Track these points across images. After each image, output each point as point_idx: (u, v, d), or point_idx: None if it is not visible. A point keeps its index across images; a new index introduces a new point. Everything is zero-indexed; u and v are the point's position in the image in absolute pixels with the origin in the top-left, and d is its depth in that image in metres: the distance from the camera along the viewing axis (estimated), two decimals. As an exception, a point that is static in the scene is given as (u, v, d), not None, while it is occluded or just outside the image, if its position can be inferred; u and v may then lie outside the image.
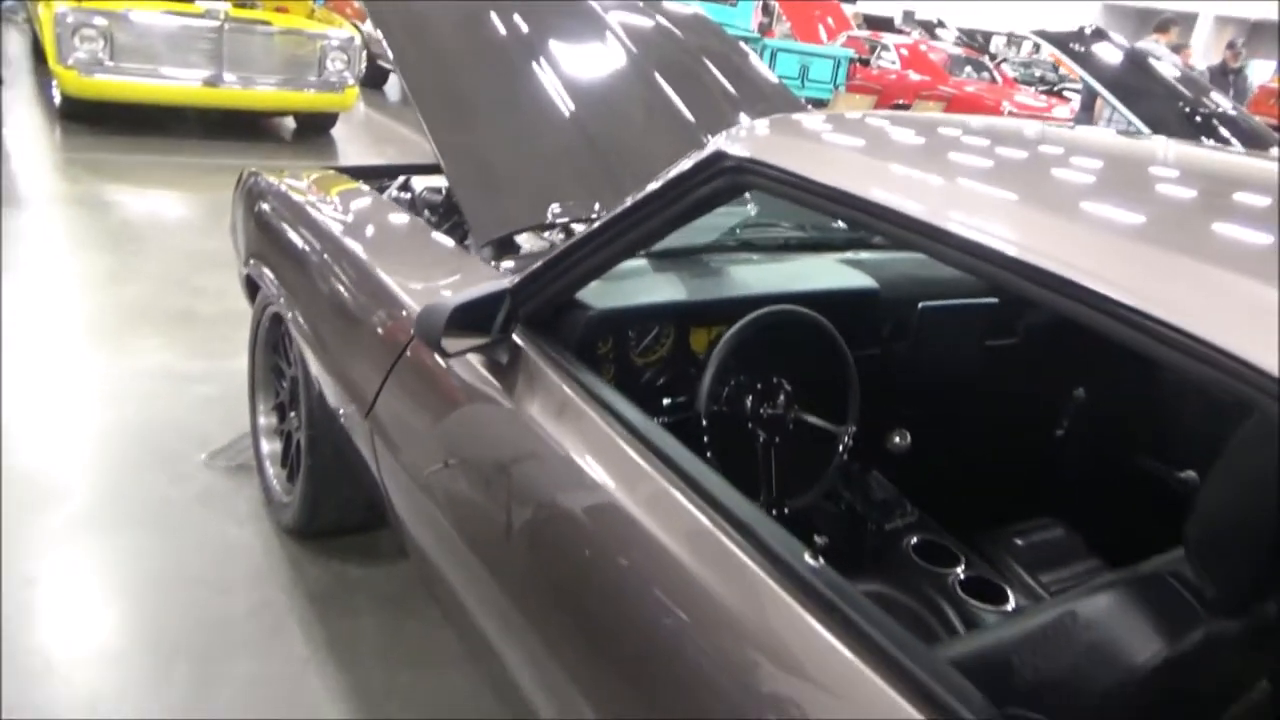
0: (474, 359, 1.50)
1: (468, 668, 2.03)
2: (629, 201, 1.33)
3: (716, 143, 1.25)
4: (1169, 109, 3.89)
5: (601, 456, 1.26)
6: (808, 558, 1.00)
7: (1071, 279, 0.81)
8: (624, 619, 1.17)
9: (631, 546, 1.17)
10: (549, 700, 1.33)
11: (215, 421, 2.88)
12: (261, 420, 2.53)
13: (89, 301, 3.76)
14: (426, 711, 1.94)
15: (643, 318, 1.68)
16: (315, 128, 7.28)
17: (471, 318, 1.39)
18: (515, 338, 1.46)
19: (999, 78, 13.15)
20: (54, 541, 2.30)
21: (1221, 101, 4.17)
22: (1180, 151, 1.24)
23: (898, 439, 1.76)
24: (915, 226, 0.97)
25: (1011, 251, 0.88)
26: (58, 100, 6.41)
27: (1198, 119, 4.00)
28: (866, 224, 1.07)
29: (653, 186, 1.30)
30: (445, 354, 1.40)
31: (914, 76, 12.36)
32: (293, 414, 2.36)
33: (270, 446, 2.50)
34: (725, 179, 1.22)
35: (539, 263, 1.45)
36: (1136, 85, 4.05)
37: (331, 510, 2.26)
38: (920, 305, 1.84)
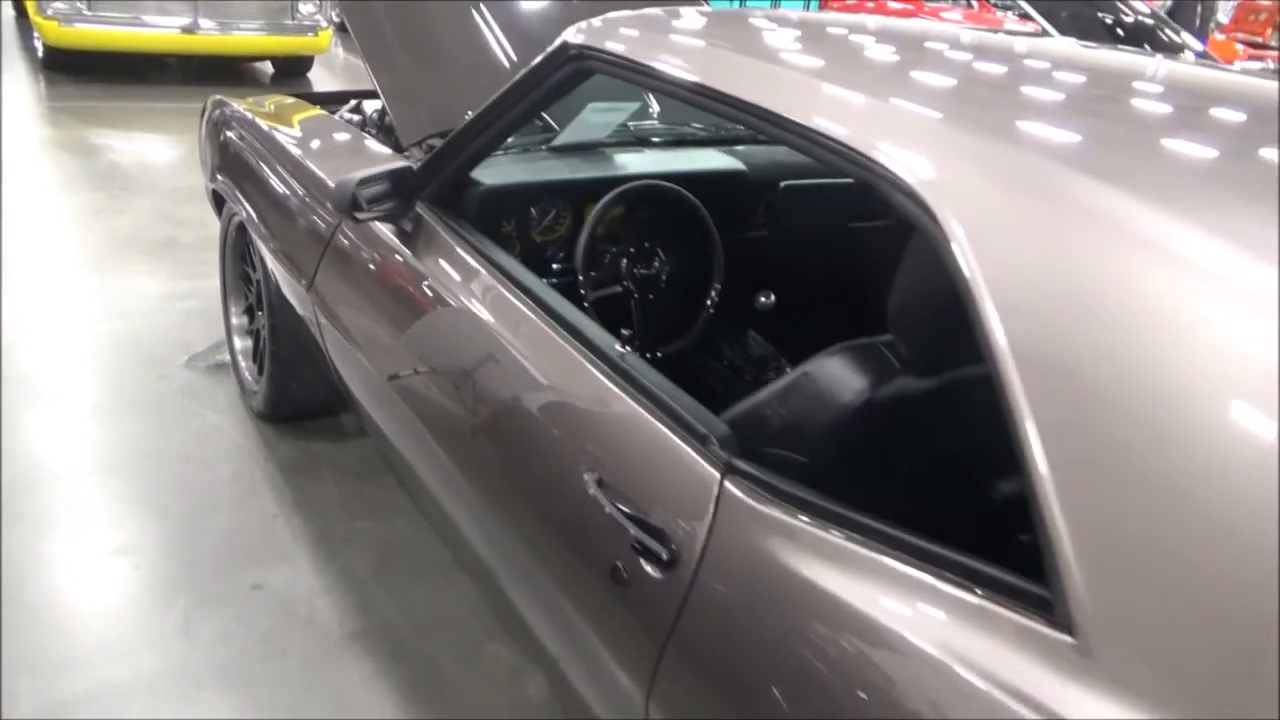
0: (388, 231, 1.80)
1: (418, 518, 2.35)
2: (502, 90, 1.61)
3: (565, 34, 1.52)
4: (1085, 13, 4.14)
5: (488, 305, 1.55)
6: (624, 349, 1.30)
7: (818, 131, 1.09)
8: (503, 431, 1.47)
9: (516, 378, 1.45)
10: (479, 532, 1.60)
11: (196, 331, 3.19)
12: (234, 321, 2.84)
13: (81, 233, 4.06)
14: (380, 553, 2.27)
15: (531, 193, 1.97)
16: (292, 71, 7.48)
17: (380, 190, 1.68)
18: (420, 211, 1.76)
19: (976, 4, 13.17)
20: (55, 428, 2.63)
21: (1141, 10, 4.40)
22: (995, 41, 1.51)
23: (763, 299, 2.06)
24: (722, 98, 1.24)
25: (786, 115, 1.14)
26: (40, 51, 6.64)
27: (1116, 26, 4.23)
28: (688, 100, 1.34)
29: (518, 76, 1.58)
30: (355, 219, 1.69)
31: (892, 4, 12.40)
32: (260, 313, 2.66)
33: (242, 344, 2.82)
34: (570, 66, 1.50)
35: (437, 147, 1.74)
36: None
37: (295, 392, 2.58)
38: (782, 184, 2.13)
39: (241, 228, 2.65)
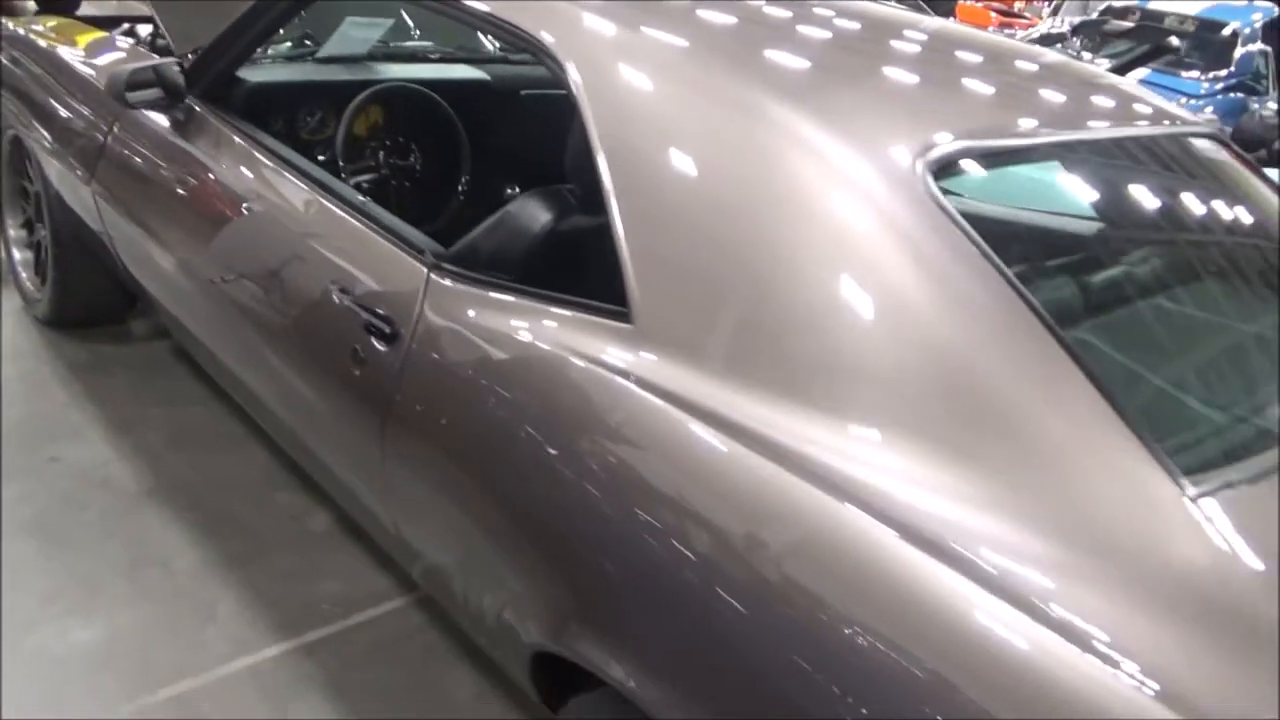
0: (162, 121, 2.04)
1: (213, 404, 2.59)
2: (260, -6, 1.89)
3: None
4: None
5: (256, 179, 1.84)
6: (365, 199, 1.64)
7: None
8: (274, 277, 1.77)
9: (280, 233, 1.75)
10: (259, 374, 1.88)
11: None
12: (12, 233, 2.93)
13: None
14: (173, 431, 2.49)
15: (295, 93, 2.25)
16: (57, 10, 7.14)
17: (152, 78, 1.92)
18: (191, 103, 2.01)
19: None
20: None
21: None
22: None
23: (509, 190, 2.43)
24: None
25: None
26: None
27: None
28: None
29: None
30: (128, 105, 1.93)
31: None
32: (39, 225, 2.78)
33: (22, 255, 2.92)
34: None
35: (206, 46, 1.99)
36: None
37: (80, 295, 2.74)
38: (522, 93, 2.50)
39: (17, 141, 2.76)
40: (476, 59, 2.74)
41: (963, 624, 0.87)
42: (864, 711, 0.89)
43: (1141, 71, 7.21)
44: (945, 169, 1.15)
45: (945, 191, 1.13)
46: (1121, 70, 4.18)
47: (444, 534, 1.40)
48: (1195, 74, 7.35)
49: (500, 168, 2.46)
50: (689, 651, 1.05)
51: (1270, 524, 0.96)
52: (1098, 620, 0.84)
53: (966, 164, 1.22)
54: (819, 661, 0.92)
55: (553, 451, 1.19)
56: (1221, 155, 1.69)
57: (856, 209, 1.11)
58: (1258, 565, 0.90)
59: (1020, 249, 1.27)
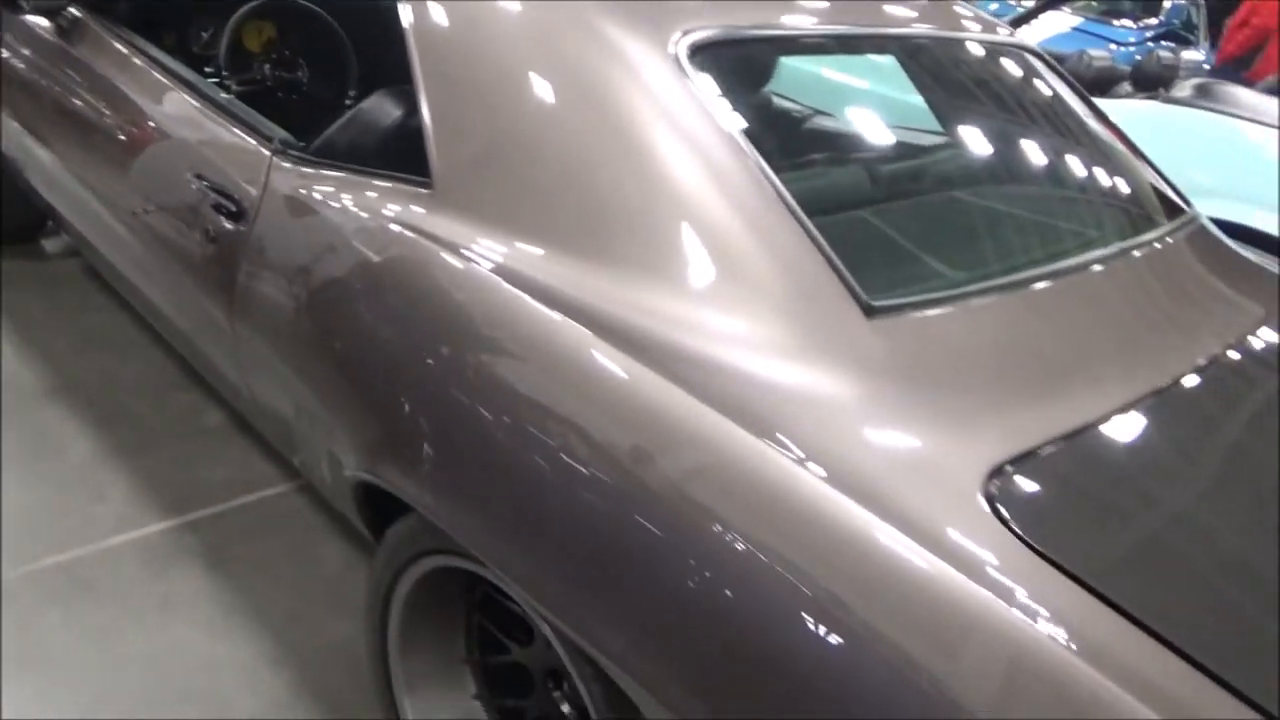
0: (49, 29, 2.13)
1: (117, 313, 2.69)
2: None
3: None
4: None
5: (138, 82, 1.93)
6: (230, 97, 1.75)
7: None
8: (148, 174, 1.88)
9: (155, 133, 1.85)
10: (154, 292, 1.99)
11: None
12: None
13: None
14: (76, 338, 2.60)
15: (178, 8, 2.34)
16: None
17: None
18: (77, 12, 2.10)
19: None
20: None
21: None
22: None
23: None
24: None
25: None
26: None
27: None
28: None
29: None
30: (14, 11, 2.03)
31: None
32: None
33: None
34: None
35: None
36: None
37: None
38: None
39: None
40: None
41: (692, 425, 1.01)
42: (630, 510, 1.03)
43: (1074, 20, 7.38)
44: (704, 51, 1.28)
45: (708, 71, 1.27)
46: (1026, 18, 4.33)
47: (283, 388, 1.54)
48: (1127, 22, 7.52)
49: (390, 82, 2.56)
50: (482, 477, 1.18)
51: (938, 347, 1.12)
52: (769, 402, 1.00)
53: (734, 50, 1.36)
54: (589, 480, 1.05)
55: (365, 304, 1.33)
56: (1025, 67, 1.83)
57: (622, 82, 1.24)
58: (919, 376, 1.07)
59: (768, 126, 1.41)
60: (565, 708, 1.35)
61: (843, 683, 0.86)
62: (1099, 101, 3.64)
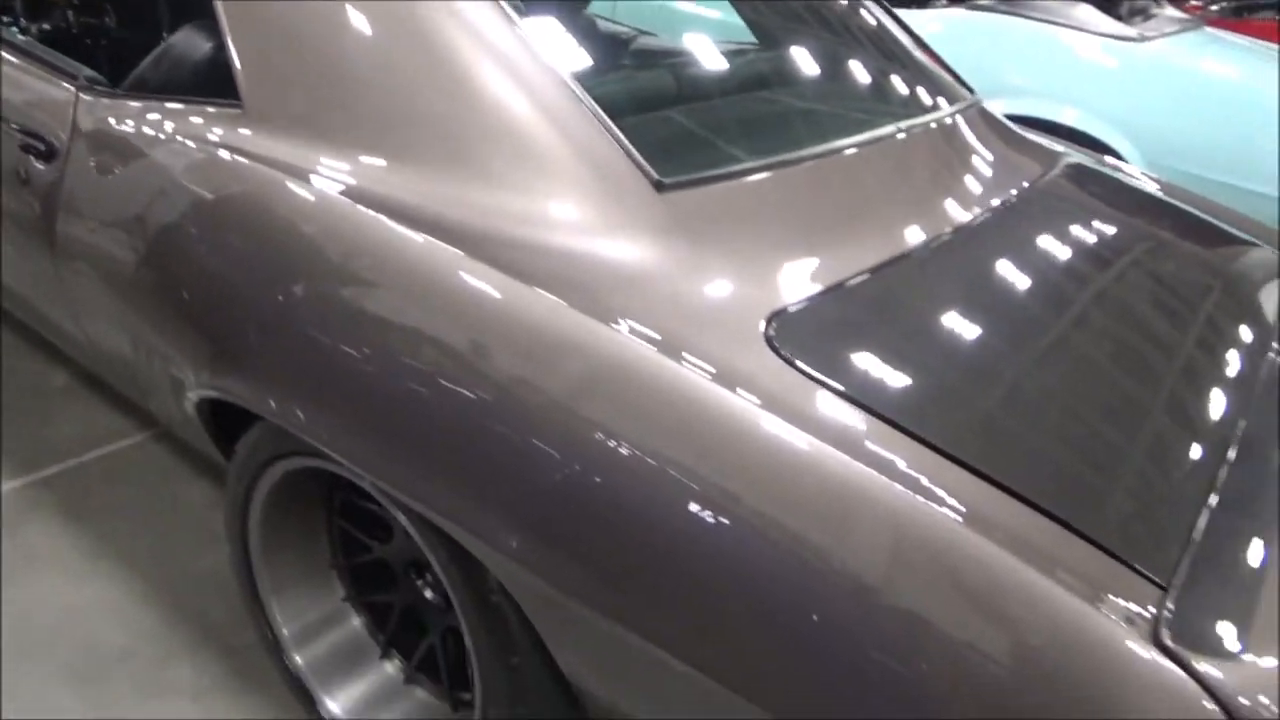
0: None
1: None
2: None
3: None
4: None
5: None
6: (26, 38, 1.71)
7: None
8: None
9: None
10: None
11: None
12: None
13: None
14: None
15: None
16: None
17: None
18: None
19: None
20: None
21: None
22: None
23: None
24: None
25: None
26: None
27: None
28: None
29: None
30: None
31: None
32: None
33: None
34: None
35: None
36: None
37: None
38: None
39: None
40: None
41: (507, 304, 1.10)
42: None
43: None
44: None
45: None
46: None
47: (117, 325, 1.55)
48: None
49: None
50: (322, 373, 1.22)
51: (723, 214, 1.24)
52: (571, 273, 1.09)
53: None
54: (411, 369, 1.12)
55: (187, 224, 1.36)
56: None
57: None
58: (705, 241, 1.18)
59: (576, 38, 1.48)
60: (429, 594, 1.44)
61: (677, 526, 0.95)
62: (914, 12, 3.85)
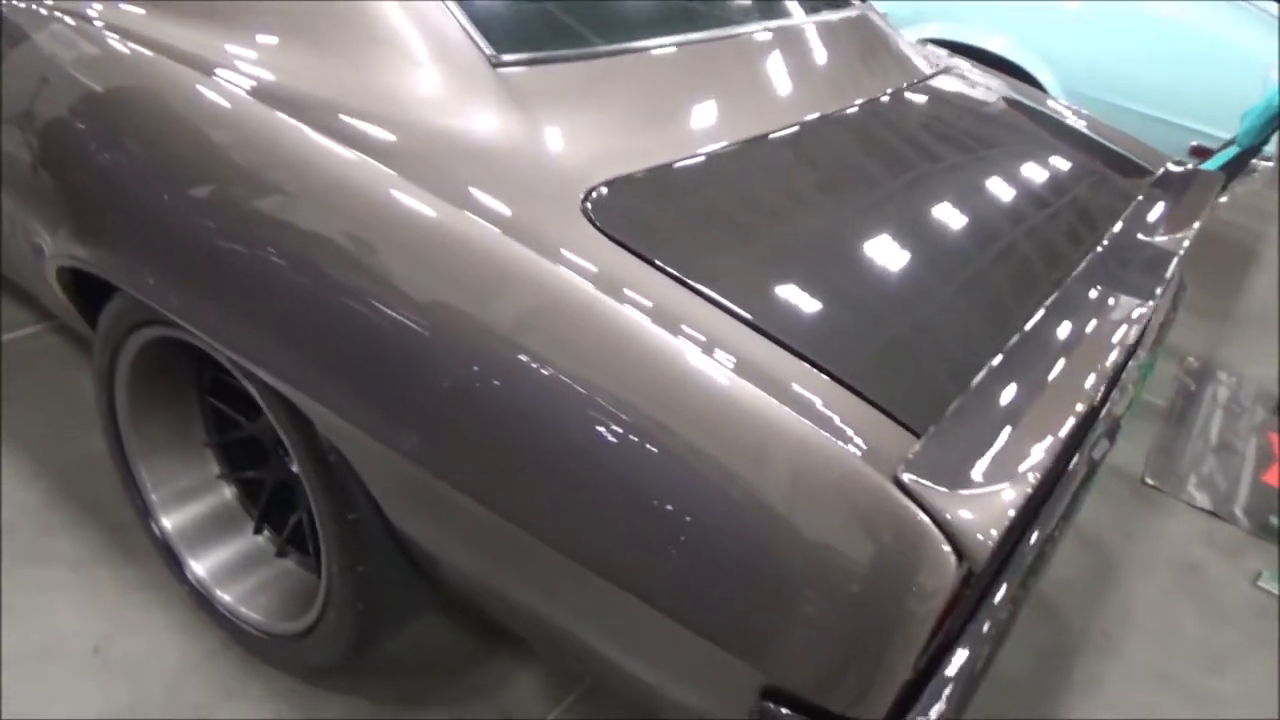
0: None
1: None
2: None
3: None
4: None
5: None
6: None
7: None
8: None
9: None
10: None
11: None
12: None
13: None
14: None
15: None
16: None
17: None
18: None
19: None
20: None
21: None
22: None
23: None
24: None
25: None
26: None
27: None
28: None
29: None
30: None
31: None
32: None
33: None
34: None
35: None
36: None
37: None
38: None
39: None
40: None
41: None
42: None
43: None
44: None
45: None
46: None
47: None
48: None
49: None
50: (167, 242, 1.24)
51: (565, 98, 1.27)
52: (413, 145, 1.13)
53: None
54: (247, 235, 1.15)
55: (49, 93, 1.36)
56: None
57: None
58: (534, 116, 1.22)
59: None
60: (294, 468, 1.49)
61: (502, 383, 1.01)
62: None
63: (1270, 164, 3.31)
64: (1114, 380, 1.54)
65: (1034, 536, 1.20)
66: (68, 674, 1.48)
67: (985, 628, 1.06)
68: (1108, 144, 1.95)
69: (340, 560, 1.29)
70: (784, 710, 0.93)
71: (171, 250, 1.24)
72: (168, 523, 1.56)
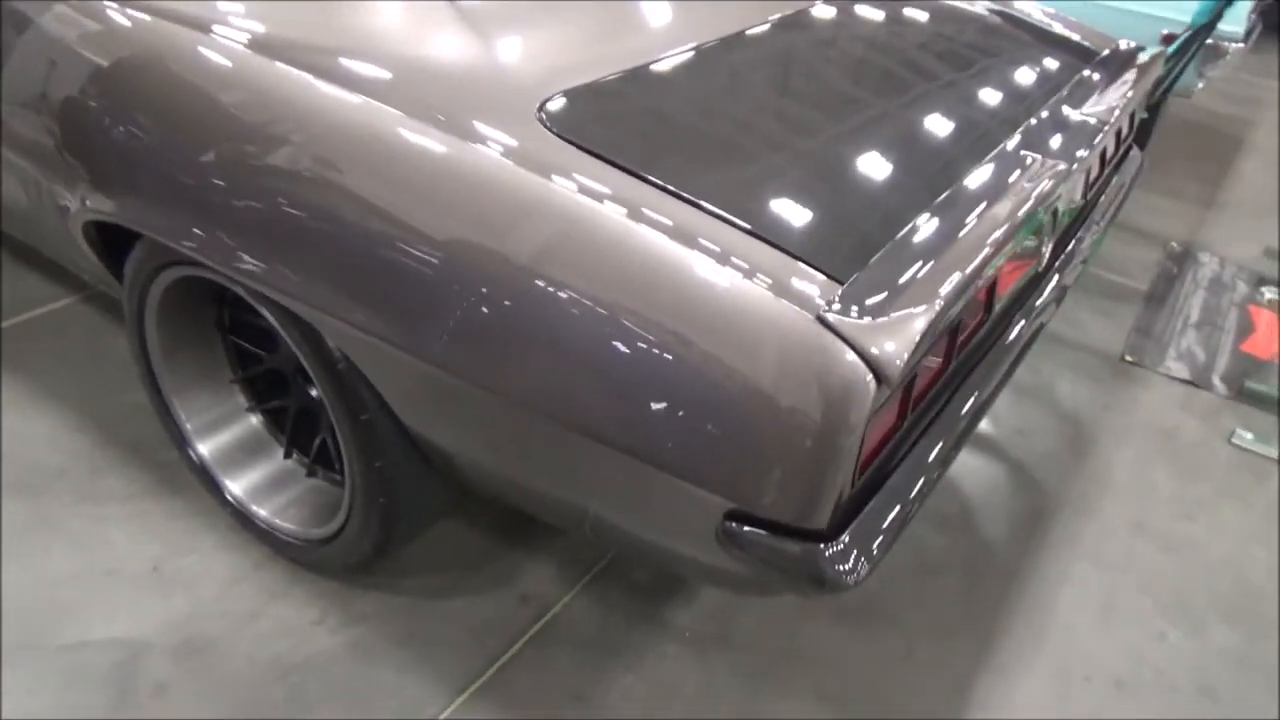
0: None
1: None
2: None
3: None
4: None
5: None
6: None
7: None
8: None
9: None
10: None
11: None
12: None
13: None
14: None
15: None
16: None
17: None
18: None
19: None
20: None
21: None
22: None
23: None
24: None
25: None
26: None
27: None
28: None
29: None
30: None
31: None
32: None
33: None
34: None
35: None
36: None
37: None
38: None
39: None
40: None
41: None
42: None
43: None
44: None
45: None
46: None
47: (22, 171, 1.68)
48: None
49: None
50: (179, 184, 1.38)
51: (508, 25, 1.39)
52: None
53: None
54: (248, 167, 1.28)
55: (69, 80, 1.50)
56: None
57: None
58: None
59: None
60: (314, 392, 1.65)
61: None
62: None
63: (1240, 45, 3.37)
64: (1058, 249, 1.66)
65: (959, 373, 1.34)
66: (131, 589, 1.66)
67: (918, 451, 1.21)
68: (1055, 29, 2.05)
69: (360, 460, 1.44)
70: (745, 528, 1.08)
71: (185, 192, 1.38)
72: (204, 449, 1.72)
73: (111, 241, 1.61)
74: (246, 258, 1.33)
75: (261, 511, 1.70)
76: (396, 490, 1.47)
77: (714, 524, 1.11)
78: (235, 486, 1.71)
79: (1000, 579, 1.90)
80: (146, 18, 1.41)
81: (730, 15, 1.66)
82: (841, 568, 1.07)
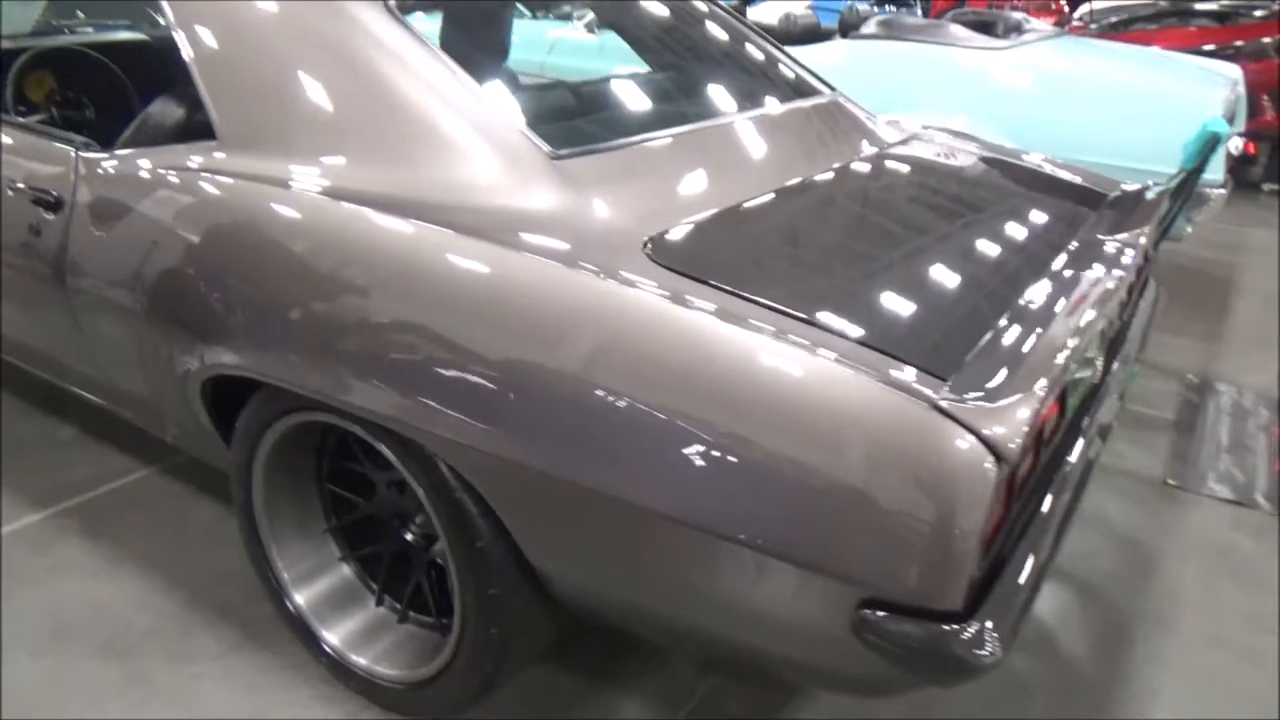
0: None
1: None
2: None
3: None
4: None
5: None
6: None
7: None
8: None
9: None
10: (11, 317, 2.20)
11: None
12: None
13: None
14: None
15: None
16: None
17: None
18: None
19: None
20: None
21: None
22: None
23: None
24: None
25: None
26: None
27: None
28: None
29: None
30: None
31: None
32: None
33: None
34: None
35: None
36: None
37: None
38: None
39: None
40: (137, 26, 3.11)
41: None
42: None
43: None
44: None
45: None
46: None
47: (127, 342, 1.81)
48: (853, -4, 8.44)
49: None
50: (303, 331, 1.50)
51: (608, 174, 1.56)
52: (504, 221, 1.40)
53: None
54: (373, 311, 1.41)
55: (182, 236, 1.64)
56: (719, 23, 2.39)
57: (338, 26, 1.62)
58: (598, 192, 1.50)
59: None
60: (409, 537, 1.70)
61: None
62: (813, 48, 4.26)
63: (1222, 191, 3.62)
64: (1098, 388, 1.75)
65: (1048, 469, 1.42)
66: (230, 745, 1.65)
67: (1038, 534, 1.27)
68: (1068, 176, 2.25)
69: (473, 589, 1.48)
70: (880, 614, 1.13)
71: (308, 338, 1.49)
72: (300, 599, 1.75)
73: (223, 400, 1.71)
74: (370, 395, 1.43)
75: (360, 660, 1.71)
76: (509, 618, 1.50)
77: (847, 615, 1.16)
78: (332, 636, 1.73)
79: (1092, 696, 1.89)
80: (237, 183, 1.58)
81: (795, 166, 1.85)
82: (981, 650, 1.11)
